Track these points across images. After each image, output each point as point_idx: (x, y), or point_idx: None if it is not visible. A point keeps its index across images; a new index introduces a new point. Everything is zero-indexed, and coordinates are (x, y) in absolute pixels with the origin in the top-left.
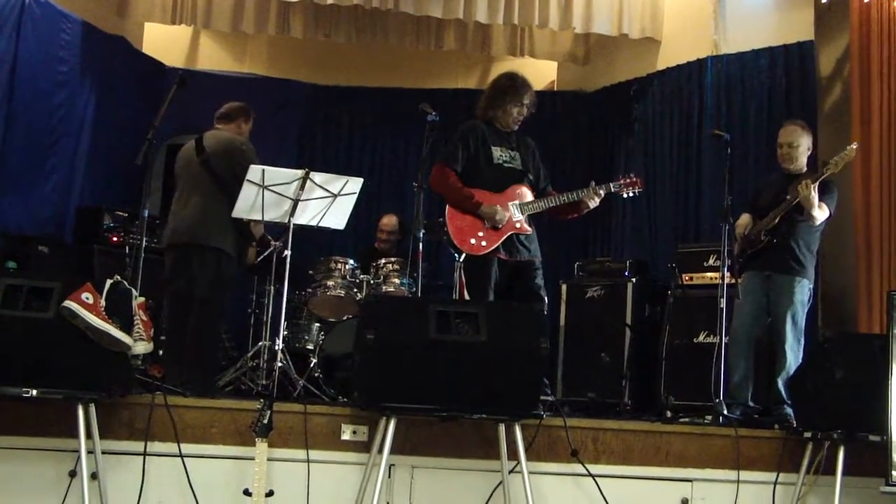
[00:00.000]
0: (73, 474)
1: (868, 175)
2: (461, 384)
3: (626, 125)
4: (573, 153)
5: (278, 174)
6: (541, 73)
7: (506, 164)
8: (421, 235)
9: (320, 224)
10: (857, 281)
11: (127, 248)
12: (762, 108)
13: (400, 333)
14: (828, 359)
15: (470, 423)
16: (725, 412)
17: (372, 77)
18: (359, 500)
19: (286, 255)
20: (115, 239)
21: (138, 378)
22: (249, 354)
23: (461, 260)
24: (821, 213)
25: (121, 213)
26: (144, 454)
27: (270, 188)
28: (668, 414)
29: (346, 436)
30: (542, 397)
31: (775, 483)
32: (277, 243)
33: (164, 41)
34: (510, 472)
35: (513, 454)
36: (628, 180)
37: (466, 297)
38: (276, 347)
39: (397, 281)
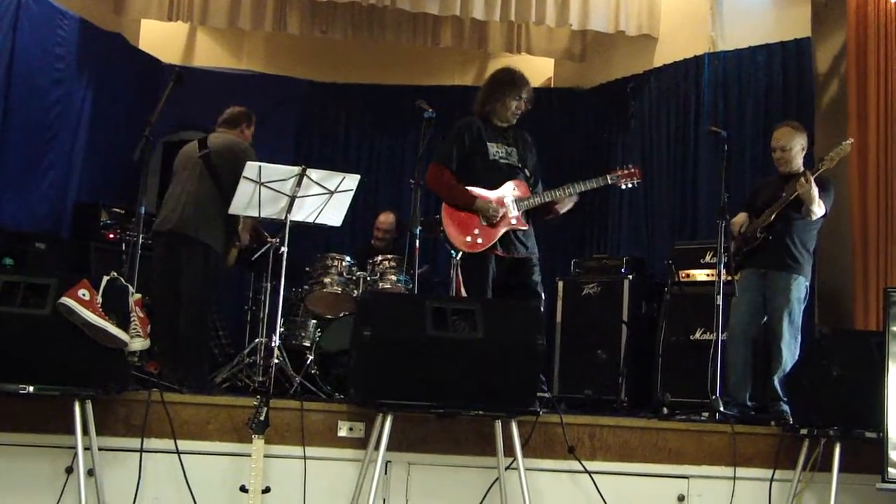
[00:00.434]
0: (69, 471)
1: (864, 172)
2: (458, 381)
3: (623, 122)
4: (570, 150)
5: (275, 171)
6: (537, 69)
7: (501, 160)
8: (418, 232)
9: (317, 221)
10: (853, 278)
11: (123, 244)
12: (759, 105)
13: (396, 330)
14: (824, 356)
15: (466, 420)
16: (722, 409)
17: (369, 74)
18: (355, 496)
19: (283, 252)
20: (111, 236)
21: (135, 375)
22: (246, 351)
23: (458, 257)
24: (819, 210)
25: (117, 210)
26: (141, 451)
27: (267, 185)
28: (665, 411)
29: (342, 432)
30: (539, 394)
31: (772, 480)
32: (274, 240)
33: (160, 38)
34: (507, 468)
35: (509, 451)
36: (626, 171)
37: (463, 294)
38: (273, 344)
39: (394, 278)
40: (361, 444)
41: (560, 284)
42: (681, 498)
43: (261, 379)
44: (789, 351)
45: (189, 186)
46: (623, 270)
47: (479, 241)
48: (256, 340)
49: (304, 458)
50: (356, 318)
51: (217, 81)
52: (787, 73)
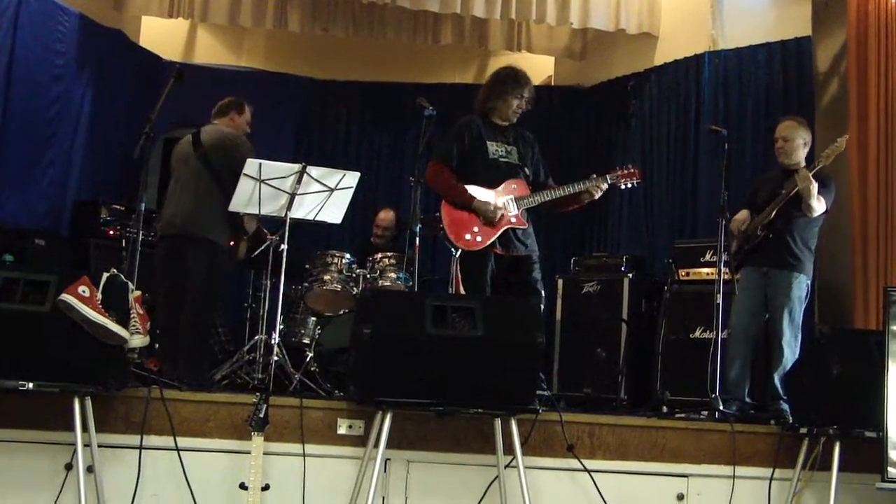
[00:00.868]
0: (69, 467)
1: (865, 171)
2: (457, 379)
3: (624, 121)
4: (570, 148)
5: (275, 168)
6: (538, 68)
7: (501, 159)
8: (417, 230)
9: (317, 218)
10: (853, 277)
11: (123, 241)
12: (759, 104)
13: (396, 328)
14: (824, 355)
15: (466, 418)
16: (722, 408)
17: (369, 71)
18: (354, 494)
19: (283, 250)
20: (111, 232)
21: (134, 371)
22: (246, 348)
23: (457, 255)
24: (818, 205)
25: (117, 207)
26: (140, 448)
27: (267, 182)
28: (665, 409)
29: (342, 430)
30: (539, 392)
31: (771, 479)
32: (274, 237)
33: (161, 35)
34: (506, 466)
35: (508, 449)
36: (626, 171)
37: (462, 291)
38: (273, 341)
39: (394, 275)
40: (361, 441)
41: (560, 282)
42: (680, 497)
43: (260, 376)
44: (790, 349)
45: (188, 185)
46: (623, 269)
47: (478, 239)
48: (256, 338)
49: (304, 455)
50: (356, 316)
51: (217, 78)
52: (787, 72)
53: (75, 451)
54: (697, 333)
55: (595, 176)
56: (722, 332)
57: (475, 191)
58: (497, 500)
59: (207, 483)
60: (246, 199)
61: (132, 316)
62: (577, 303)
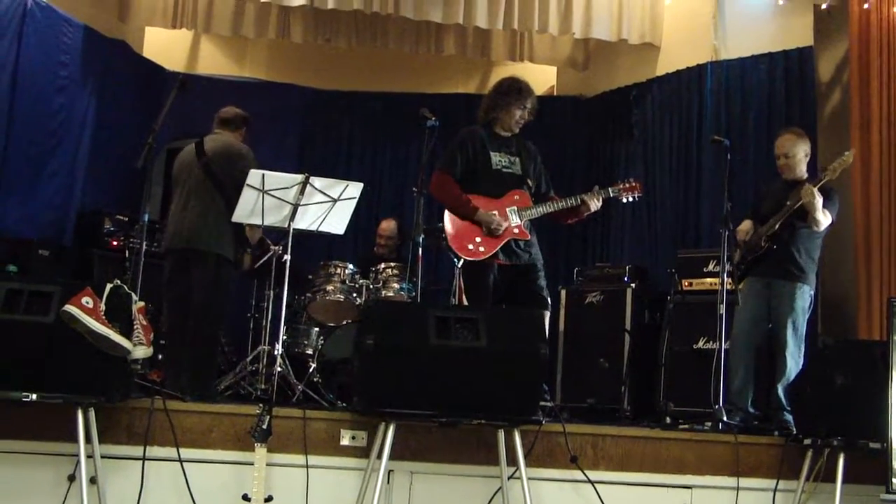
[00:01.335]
0: (72, 479)
1: (867, 181)
2: (460, 390)
3: (626, 131)
4: (572, 159)
5: (278, 179)
6: (540, 78)
7: (505, 170)
8: (420, 240)
9: (320, 229)
10: (857, 287)
11: (127, 252)
12: (761, 114)
13: (399, 338)
14: (828, 365)
15: (469, 429)
16: (725, 419)
17: (372, 82)
18: None
19: (286, 260)
20: (115, 243)
21: (138, 382)
22: (249, 359)
23: (460, 265)
24: (824, 219)
25: (121, 218)
26: (143, 459)
27: (270, 193)
28: (668, 420)
29: (345, 441)
30: (542, 403)
31: (775, 490)
32: (277, 248)
33: (164, 45)
34: (509, 478)
35: (512, 460)
36: (627, 185)
37: (465, 301)
38: (276, 352)
39: (396, 285)
40: (364, 452)
41: (563, 293)
42: None
43: (263, 387)
44: (794, 360)
45: (193, 197)
46: (626, 279)
47: (481, 249)
48: (259, 348)
49: (307, 466)
50: (359, 327)
51: (220, 89)
52: (789, 82)
53: (78, 462)
54: (700, 344)
55: (597, 188)
56: (725, 342)
57: (479, 201)
58: None
59: (210, 494)
60: (249, 209)
61: (135, 327)
62: (581, 313)
